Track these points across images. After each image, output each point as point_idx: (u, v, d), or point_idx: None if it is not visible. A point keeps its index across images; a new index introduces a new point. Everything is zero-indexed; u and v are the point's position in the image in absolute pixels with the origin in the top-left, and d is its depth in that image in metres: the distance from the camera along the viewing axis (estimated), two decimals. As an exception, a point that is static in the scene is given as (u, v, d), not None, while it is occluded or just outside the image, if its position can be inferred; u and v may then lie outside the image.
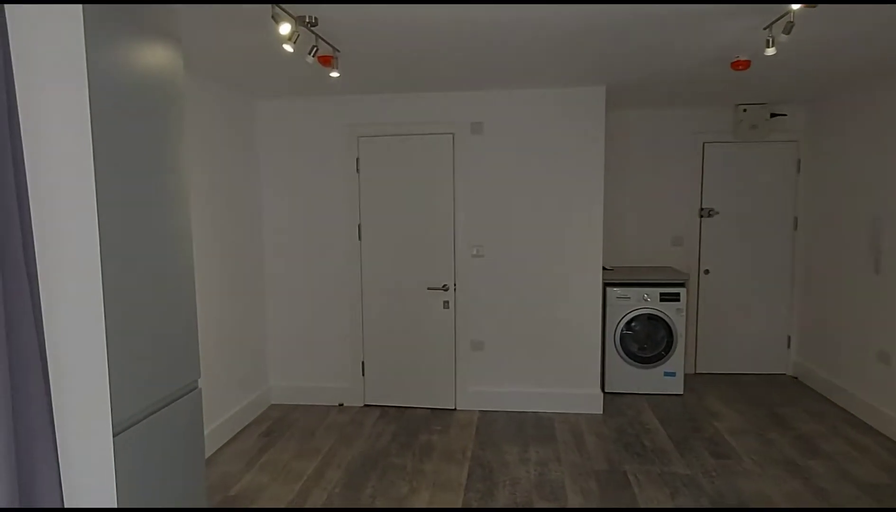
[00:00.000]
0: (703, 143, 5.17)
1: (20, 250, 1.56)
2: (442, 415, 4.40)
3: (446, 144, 4.32)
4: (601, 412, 4.38)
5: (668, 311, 4.70)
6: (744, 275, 5.24)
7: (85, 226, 1.68)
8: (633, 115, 5.22)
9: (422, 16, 2.54)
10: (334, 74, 3.10)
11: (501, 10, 2.49)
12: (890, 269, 3.91)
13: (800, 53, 3.24)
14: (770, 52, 2.69)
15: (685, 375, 5.21)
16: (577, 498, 3.14)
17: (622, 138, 5.24)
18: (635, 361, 4.76)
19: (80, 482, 1.72)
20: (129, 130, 1.83)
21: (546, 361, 4.43)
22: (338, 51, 3.01)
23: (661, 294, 4.70)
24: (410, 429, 4.13)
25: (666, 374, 4.74)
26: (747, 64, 3.36)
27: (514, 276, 4.39)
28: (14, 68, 1.60)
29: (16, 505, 1.50)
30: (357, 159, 4.42)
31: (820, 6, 2.42)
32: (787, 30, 2.45)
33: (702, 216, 5.25)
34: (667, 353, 4.72)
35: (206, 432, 3.72)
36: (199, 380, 2.29)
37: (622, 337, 4.76)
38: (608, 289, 4.75)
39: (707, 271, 5.28)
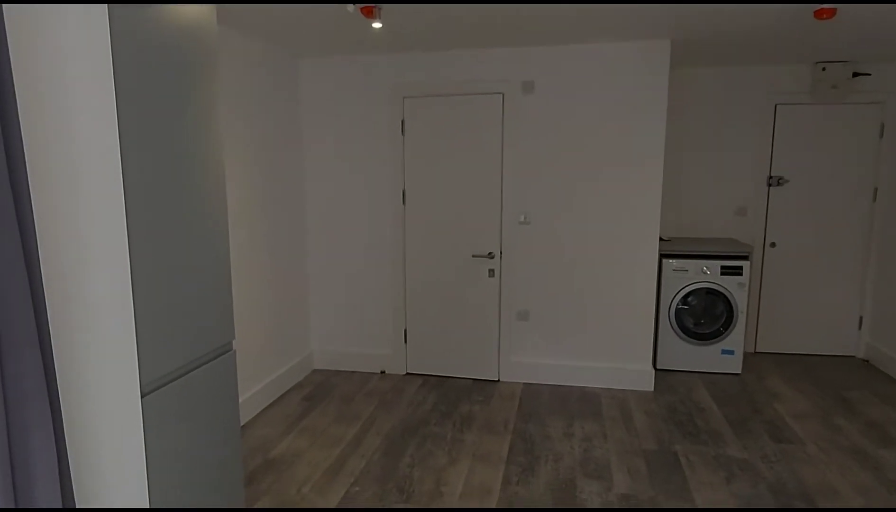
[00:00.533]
0: (776, 105, 4.78)
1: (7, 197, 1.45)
2: (484, 386, 4.30)
3: (495, 105, 4.11)
4: (652, 389, 4.18)
5: (728, 285, 4.41)
6: (813, 249, 4.87)
7: (108, 179, 1.59)
8: (699, 73, 4.86)
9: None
10: (377, 25, 2.94)
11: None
12: None
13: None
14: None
15: (744, 354, 4.93)
16: (623, 478, 2.98)
17: (686, 99, 4.89)
18: (691, 337, 4.51)
19: (109, 443, 1.68)
20: (156, 86, 1.73)
21: (594, 333, 4.24)
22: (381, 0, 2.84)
23: (722, 267, 4.41)
24: (452, 398, 4.04)
25: (723, 352, 4.48)
26: (833, 12, 3.01)
27: (563, 244, 4.19)
28: (31, 29, 1.51)
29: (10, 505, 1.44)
30: (402, 121, 4.27)
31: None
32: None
33: (770, 185, 4.88)
34: (725, 330, 4.45)
35: (247, 395, 3.73)
36: (234, 341, 2.23)
37: (678, 312, 4.51)
38: (664, 260, 4.49)
39: (773, 244, 4.93)
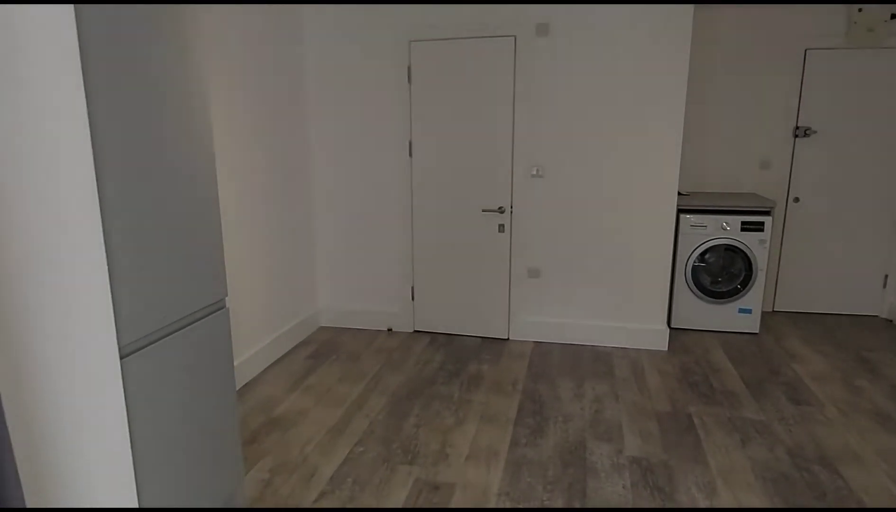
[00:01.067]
0: (806, 50, 4.49)
1: None
2: (493, 344, 4.20)
3: (507, 49, 3.88)
4: (666, 349, 4.06)
5: (749, 242, 4.23)
6: (839, 204, 4.65)
7: (71, 112, 1.45)
8: (724, 16, 4.56)
9: None
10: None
11: None
12: None
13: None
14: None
15: (762, 313, 4.78)
16: (634, 440, 2.89)
17: (710, 43, 4.61)
18: (707, 295, 4.36)
19: (86, 408, 1.59)
20: (125, 10, 1.57)
21: (607, 291, 4.10)
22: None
23: (743, 223, 4.22)
24: (460, 357, 3.96)
25: (741, 310, 4.33)
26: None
27: (577, 199, 4.02)
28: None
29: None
30: (408, 67, 4.06)
31: None
32: None
33: (796, 136, 4.64)
34: (743, 288, 4.29)
35: (251, 353, 3.66)
36: (227, 299, 2.12)
37: (694, 269, 4.35)
38: (682, 216, 4.31)
39: (797, 199, 4.71)
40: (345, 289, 4.53)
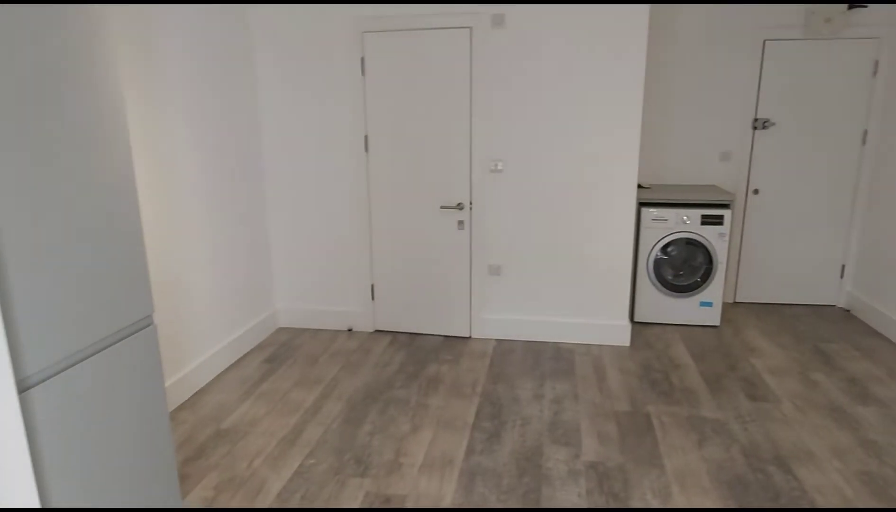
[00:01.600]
0: (764, 41, 4.46)
1: None
2: (455, 343, 4.13)
3: (463, 40, 3.77)
4: (628, 344, 4.03)
5: (709, 235, 4.21)
6: (798, 195, 4.66)
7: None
8: (682, 7, 4.51)
9: None
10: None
11: None
12: (978, 191, 3.33)
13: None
14: None
15: (723, 305, 4.79)
16: (592, 443, 2.85)
17: (669, 35, 4.56)
18: (669, 289, 4.34)
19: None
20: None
21: (570, 287, 4.05)
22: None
23: (703, 216, 4.20)
24: (420, 358, 3.88)
25: (702, 304, 4.33)
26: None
27: (537, 194, 3.95)
28: None
29: None
30: (362, 59, 3.92)
31: None
32: None
33: (755, 128, 4.63)
34: (704, 281, 4.28)
35: (202, 359, 3.53)
36: (153, 315, 2.00)
37: (656, 263, 4.33)
38: (643, 209, 4.27)
39: (756, 191, 4.71)
40: (303, 289, 4.41)
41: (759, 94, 4.56)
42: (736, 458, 2.71)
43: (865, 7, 4.29)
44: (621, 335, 4.04)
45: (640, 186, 4.62)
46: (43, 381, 1.54)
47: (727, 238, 4.21)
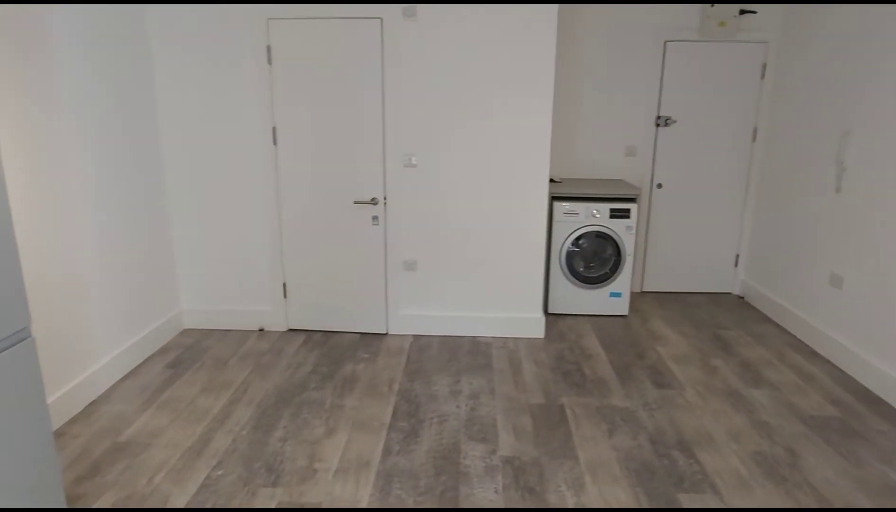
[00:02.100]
0: (665, 42, 4.66)
1: None
2: (371, 340, 4.06)
3: (373, 31, 3.68)
4: (542, 336, 4.12)
5: (617, 228, 4.37)
6: (697, 189, 4.92)
7: None
8: (587, 9, 4.62)
9: None
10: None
11: None
12: (852, 188, 3.63)
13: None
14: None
15: (631, 294, 4.99)
16: (508, 438, 2.88)
17: (577, 32, 4.67)
18: (581, 281, 4.47)
19: None
20: None
21: (485, 281, 4.08)
22: None
23: (611, 210, 4.35)
24: (335, 357, 3.78)
25: (612, 294, 4.48)
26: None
27: (451, 188, 3.93)
28: None
29: None
30: (268, 48, 3.75)
31: None
32: None
33: (658, 125, 4.83)
34: (613, 272, 4.44)
35: (100, 364, 3.27)
36: (31, 327, 1.81)
37: (569, 255, 4.44)
38: (555, 203, 4.36)
39: (660, 185, 4.93)
40: (211, 288, 4.18)
41: (662, 93, 4.76)
42: (643, 445, 2.82)
43: (755, 13, 4.56)
44: (536, 328, 4.11)
45: (551, 181, 4.71)
46: None
47: (634, 231, 4.37)
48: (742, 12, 4.51)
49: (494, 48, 3.68)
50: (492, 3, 3.61)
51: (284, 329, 4.22)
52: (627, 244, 4.38)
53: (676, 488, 2.50)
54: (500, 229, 3.98)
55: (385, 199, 3.96)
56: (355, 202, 3.97)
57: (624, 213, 4.35)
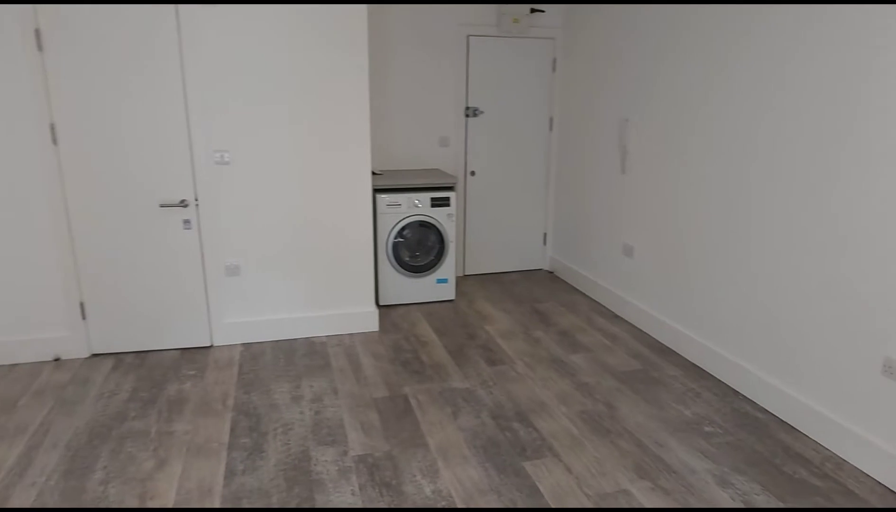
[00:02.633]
0: (468, 36, 4.90)
1: None
2: (195, 355, 3.74)
3: (167, 17, 3.35)
4: (377, 329, 4.13)
5: (439, 216, 4.52)
6: (507, 176, 5.28)
7: None
8: (395, 6, 4.68)
9: None
10: None
11: None
12: (633, 169, 4.17)
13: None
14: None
15: (456, 279, 5.21)
16: (357, 436, 2.85)
17: (386, 31, 4.70)
18: (408, 270, 4.56)
19: None
20: None
21: (315, 280, 3.97)
22: None
23: (432, 199, 4.49)
24: (155, 378, 3.42)
25: (438, 281, 4.65)
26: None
27: (271, 186, 3.75)
28: None
29: None
30: (37, 32, 3.21)
31: None
32: None
33: (468, 116, 5.08)
34: (438, 260, 4.60)
35: None
36: None
37: (394, 246, 4.49)
38: (378, 196, 4.38)
39: (473, 173, 5.20)
40: (-19, 318, 3.51)
41: (468, 85, 5.01)
42: (486, 422, 2.99)
43: (543, 11, 4.99)
44: (370, 321, 4.12)
45: (372, 173, 4.72)
46: None
47: (454, 218, 4.57)
48: (532, 10, 4.90)
49: (307, 41, 3.56)
50: (298, 2, 3.48)
51: (87, 355, 3.71)
52: (450, 231, 4.57)
53: (521, 457, 2.69)
54: (325, 225, 3.90)
55: (197, 200, 3.65)
56: (162, 205, 3.60)
57: (444, 202, 4.51)
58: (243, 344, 3.90)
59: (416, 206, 4.46)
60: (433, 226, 4.53)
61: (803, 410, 2.90)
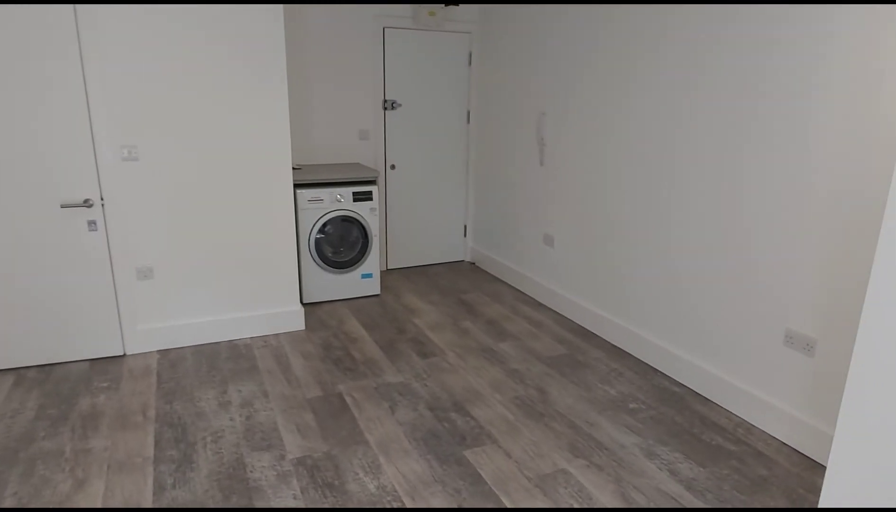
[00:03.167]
0: (384, 28, 4.86)
1: None
2: (107, 365, 3.50)
3: (66, 10, 3.08)
4: (304, 328, 4.04)
5: (361, 211, 4.47)
6: (426, 169, 5.30)
7: None
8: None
9: None
10: None
11: None
12: (550, 161, 4.31)
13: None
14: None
15: (381, 274, 5.18)
16: (294, 439, 2.78)
17: (301, 23, 4.57)
18: (332, 266, 4.48)
19: None
20: None
21: (236, 280, 3.81)
22: None
23: (354, 193, 4.43)
24: (64, 393, 3.17)
25: (363, 276, 4.60)
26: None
27: (186, 183, 3.56)
28: None
29: None
30: None
31: None
32: None
33: (386, 108, 5.04)
34: (362, 255, 4.55)
35: None
36: None
37: (317, 242, 4.40)
38: (299, 191, 4.27)
39: (393, 166, 5.18)
40: None
41: (385, 78, 4.97)
42: (424, 414, 3.00)
43: (457, 4, 5.03)
44: (296, 320, 4.01)
45: (293, 168, 4.58)
46: None
47: (377, 212, 4.53)
48: (447, 3, 4.93)
49: (223, 31, 3.40)
50: (216, 3, 3.31)
51: (-21, 373, 3.37)
52: (373, 225, 4.53)
53: (461, 447, 2.73)
54: (245, 223, 3.75)
55: (102, 199, 3.40)
56: (63, 206, 3.32)
57: (367, 196, 4.47)
58: (160, 351, 3.69)
59: (339, 201, 4.38)
60: (356, 220, 4.47)
61: (716, 382, 3.13)
